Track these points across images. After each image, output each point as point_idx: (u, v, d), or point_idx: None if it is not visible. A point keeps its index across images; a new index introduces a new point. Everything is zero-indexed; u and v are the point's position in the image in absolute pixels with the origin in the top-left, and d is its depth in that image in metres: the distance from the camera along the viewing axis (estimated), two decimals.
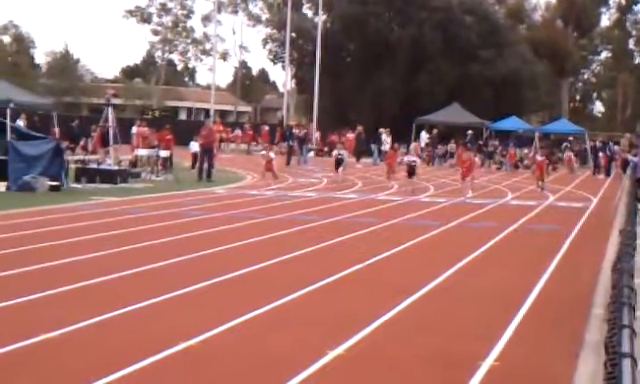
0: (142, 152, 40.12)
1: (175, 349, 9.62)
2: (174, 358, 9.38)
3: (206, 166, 37.83)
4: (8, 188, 28.63)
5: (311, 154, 60.44)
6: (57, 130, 34.28)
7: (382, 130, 61.72)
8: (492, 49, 77.01)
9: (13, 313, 11.45)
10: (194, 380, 8.73)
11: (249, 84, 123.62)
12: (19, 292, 12.42)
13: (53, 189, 29.00)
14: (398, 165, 42.62)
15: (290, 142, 56.25)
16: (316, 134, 69.79)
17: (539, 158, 39.36)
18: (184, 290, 13.05)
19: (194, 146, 45.89)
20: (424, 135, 63.72)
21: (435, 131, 64.64)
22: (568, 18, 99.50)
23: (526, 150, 61.51)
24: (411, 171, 34.38)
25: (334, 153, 38.61)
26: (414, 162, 34.93)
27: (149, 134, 43.05)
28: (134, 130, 45.99)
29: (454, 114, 65.98)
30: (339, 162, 36.78)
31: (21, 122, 40.46)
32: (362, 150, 60.09)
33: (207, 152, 38.31)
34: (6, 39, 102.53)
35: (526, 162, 57.67)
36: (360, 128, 61.87)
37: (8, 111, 29.71)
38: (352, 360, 9.57)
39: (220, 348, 9.94)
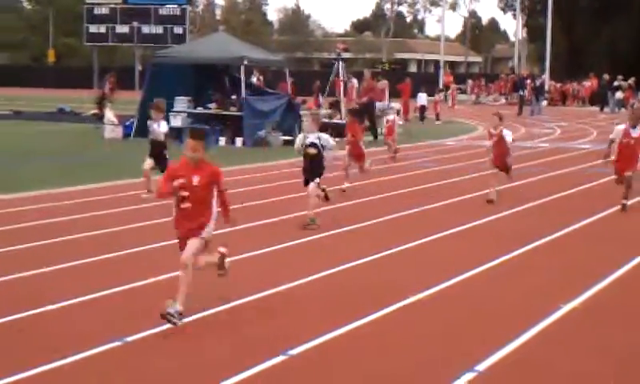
0: None
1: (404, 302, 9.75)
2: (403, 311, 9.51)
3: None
4: (244, 143, 29.44)
5: (544, 103, 59.23)
6: (289, 85, 34.83)
7: (619, 79, 60.04)
8: None
9: (269, 259, 12.01)
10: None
11: (478, 34, 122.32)
12: (270, 242, 12.95)
13: (286, 143, 29.60)
14: None
15: (521, 92, 55.35)
16: (550, 83, 68.08)
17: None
18: (417, 241, 13.24)
19: (422, 99, 46.00)
20: None
21: None
22: None
23: None
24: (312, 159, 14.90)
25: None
26: (314, 144, 14.71)
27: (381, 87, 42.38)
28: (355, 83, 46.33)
29: None
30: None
31: (254, 79, 41.42)
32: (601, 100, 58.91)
33: (369, 108, 33.30)
34: None
35: None
36: (606, 76, 60.14)
37: (242, 68, 30.45)
38: (589, 311, 9.40)
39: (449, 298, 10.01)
